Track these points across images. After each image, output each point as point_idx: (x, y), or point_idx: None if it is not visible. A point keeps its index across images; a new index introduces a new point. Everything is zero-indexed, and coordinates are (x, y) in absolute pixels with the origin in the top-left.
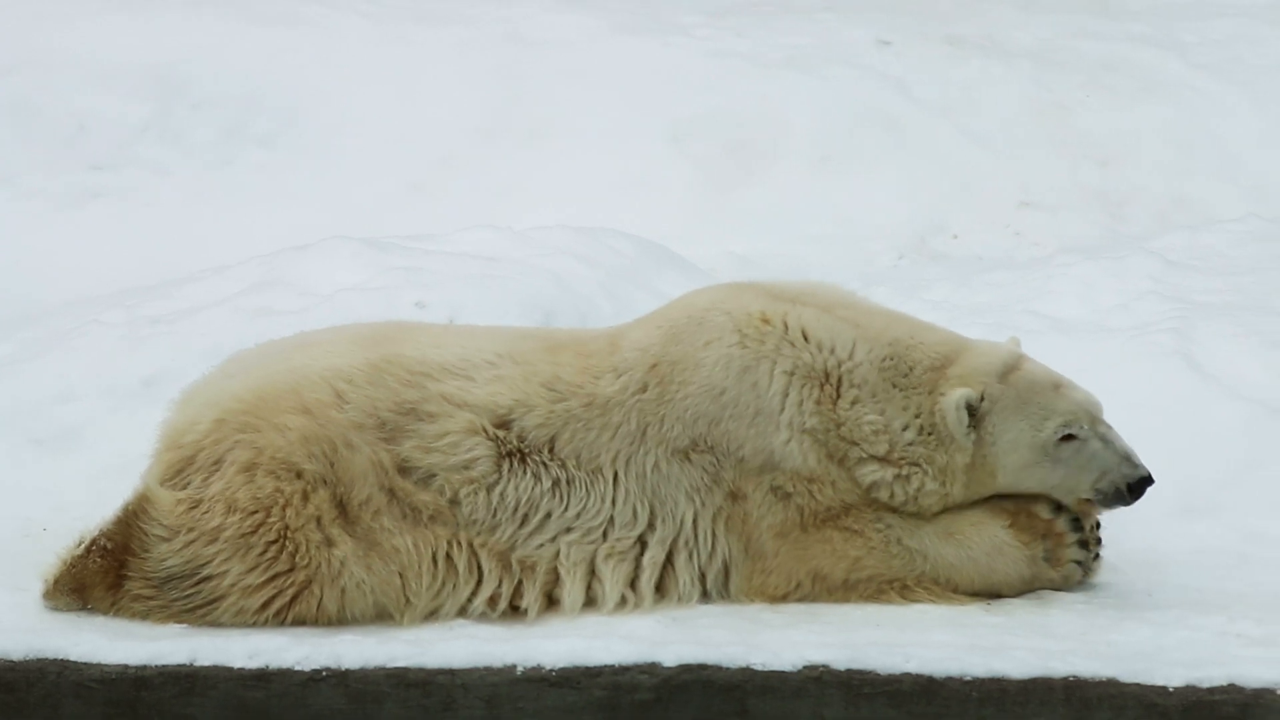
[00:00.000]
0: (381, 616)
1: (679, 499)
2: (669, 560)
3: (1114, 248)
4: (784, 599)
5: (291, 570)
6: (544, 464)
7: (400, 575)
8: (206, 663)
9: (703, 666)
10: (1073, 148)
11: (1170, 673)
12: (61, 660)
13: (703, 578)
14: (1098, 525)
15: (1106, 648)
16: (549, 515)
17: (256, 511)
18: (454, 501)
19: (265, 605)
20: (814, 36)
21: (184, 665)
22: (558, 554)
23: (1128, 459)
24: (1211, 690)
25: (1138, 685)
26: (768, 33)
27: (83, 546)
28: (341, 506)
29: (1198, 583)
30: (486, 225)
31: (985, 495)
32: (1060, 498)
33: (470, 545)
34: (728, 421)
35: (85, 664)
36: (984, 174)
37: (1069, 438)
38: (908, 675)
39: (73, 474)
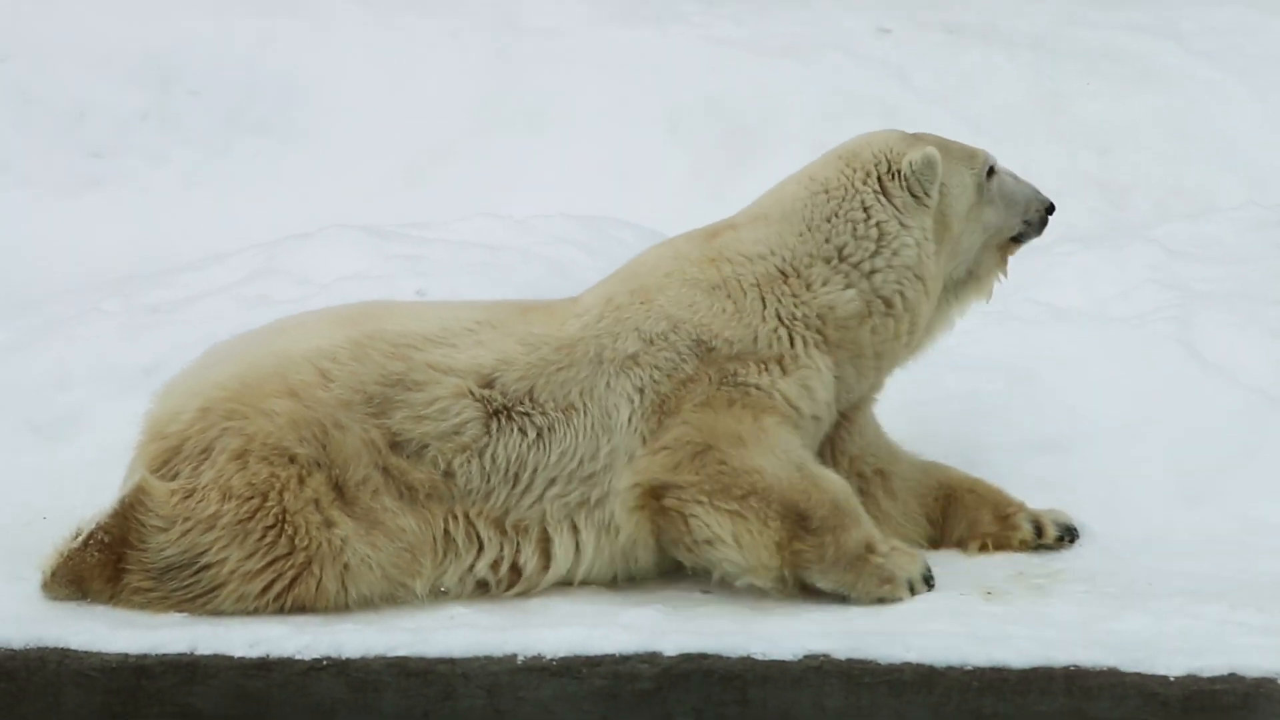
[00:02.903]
0: (385, 596)
1: (621, 405)
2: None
3: (1114, 236)
4: (658, 482)
5: (291, 553)
6: (527, 414)
7: (410, 551)
8: (207, 651)
9: (703, 656)
10: (1072, 136)
11: (1171, 661)
12: (62, 649)
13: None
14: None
15: (1107, 636)
16: (536, 470)
17: (252, 497)
18: (448, 474)
19: (266, 589)
20: (812, 24)
21: (184, 654)
22: (544, 514)
23: (1035, 188)
24: (1212, 679)
25: (1138, 674)
26: (766, 20)
27: (80, 539)
28: (339, 488)
29: (1198, 571)
30: (487, 213)
31: (944, 253)
32: (994, 240)
33: (467, 517)
34: (701, 317)
35: (86, 653)
36: None
37: (992, 172)
38: (908, 665)
39: (71, 462)
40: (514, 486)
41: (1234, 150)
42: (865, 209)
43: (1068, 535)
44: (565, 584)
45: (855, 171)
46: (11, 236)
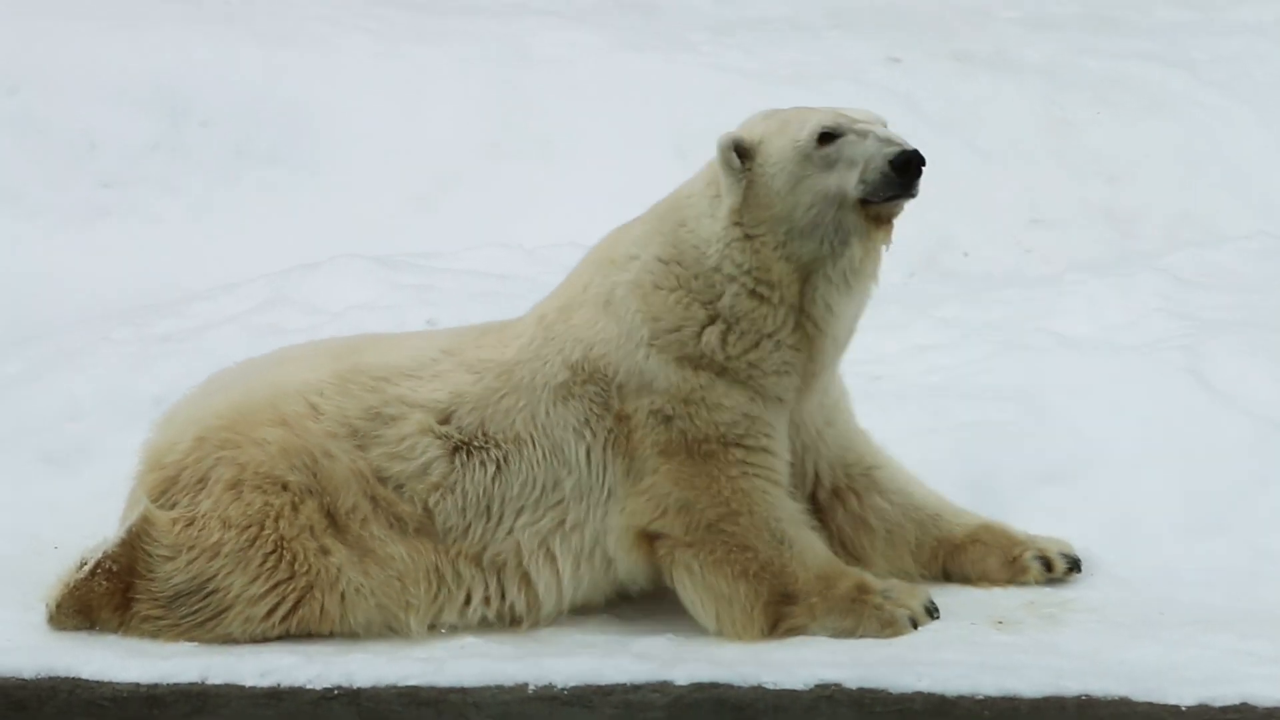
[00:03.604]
0: (386, 625)
1: (570, 440)
2: (585, 515)
3: (1123, 265)
4: (648, 528)
5: (292, 578)
6: (484, 448)
7: (399, 580)
8: (218, 681)
9: (714, 685)
10: (1081, 165)
11: (1182, 691)
12: (73, 678)
13: (602, 521)
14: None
15: (1118, 666)
16: (504, 500)
17: (250, 526)
18: (428, 512)
19: (270, 613)
20: (821, 53)
21: (195, 684)
22: (518, 545)
23: (887, 140)
24: (1224, 709)
25: (1149, 704)
26: (774, 49)
27: (86, 569)
28: (330, 516)
29: (1209, 601)
30: (496, 242)
31: (775, 238)
32: (844, 204)
33: (449, 556)
34: (600, 345)
35: (97, 682)
36: (993, 191)
37: (827, 137)
38: (919, 694)
39: (82, 492)
40: (488, 520)
41: (1243, 179)
42: (698, 217)
43: (1075, 565)
44: (565, 611)
45: (711, 169)
46: (22, 266)
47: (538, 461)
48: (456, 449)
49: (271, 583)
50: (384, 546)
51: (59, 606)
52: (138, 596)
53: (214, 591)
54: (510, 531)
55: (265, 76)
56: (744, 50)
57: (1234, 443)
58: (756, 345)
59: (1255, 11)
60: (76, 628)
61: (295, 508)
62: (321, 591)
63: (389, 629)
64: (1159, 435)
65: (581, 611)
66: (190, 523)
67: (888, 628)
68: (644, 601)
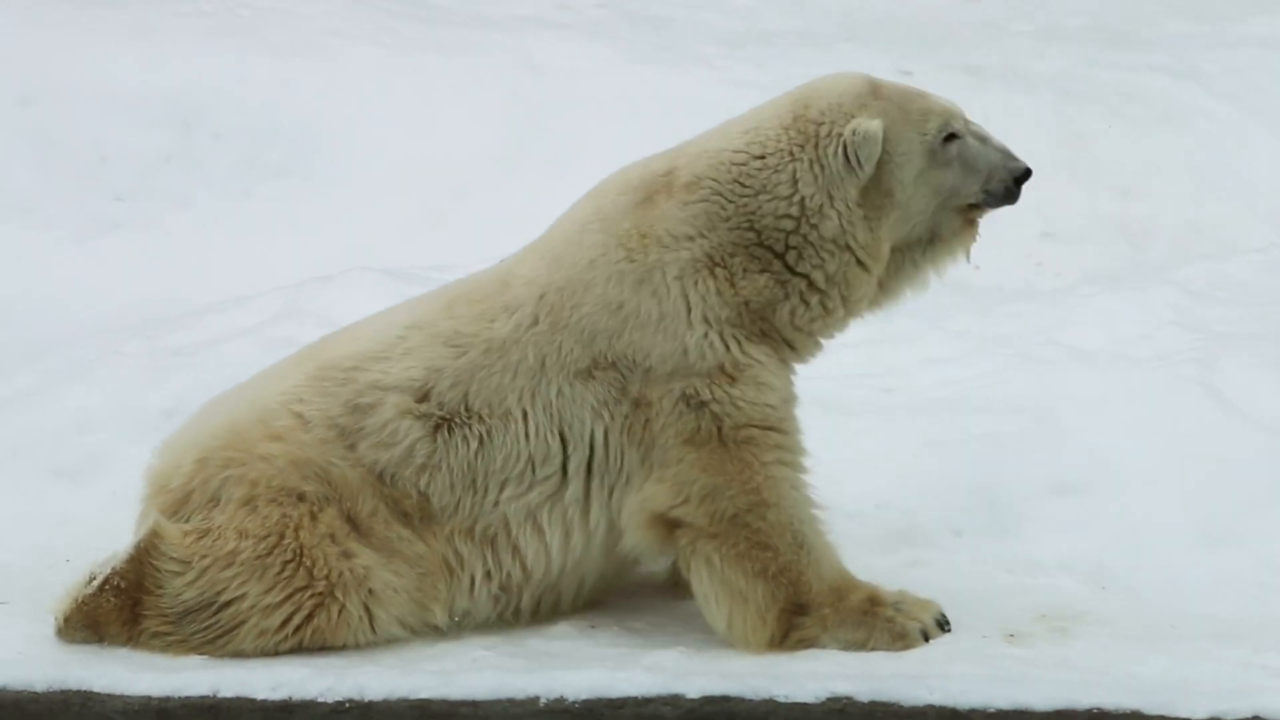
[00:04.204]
0: (421, 620)
1: (585, 418)
2: (588, 490)
3: (1135, 278)
4: (667, 514)
5: (310, 584)
6: (467, 423)
7: (429, 575)
8: (230, 694)
9: (726, 698)
10: (1093, 177)
11: (1195, 704)
12: (85, 691)
13: (610, 499)
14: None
15: (1130, 679)
16: (488, 474)
17: (268, 536)
18: (424, 496)
19: (285, 622)
20: (833, 66)
21: (207, 697)
22: (506, 518)
23: (1008, 154)
24: None
25: (1162, 717)
26: (786, 63)
27: (95, 584)
28: (352, 520)
29: (1221, 613)
30: (508, 255)
31: (886, 220)
32: (951, 204)
33: (448, 535)
34: (631, 332)
35: (108, 695)
36: None
37: (951, 136)
38: (931, 707)
39: (93, 505)
40: (474, 494)
41: (1255, 191)
42: (794, 181)
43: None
44: (558, 577)
45: (796, 134)
46: (33, 279)
47: (525, 436)
48: (438, 426)
49: (289, 590)
50: (410, 546)
51: (67, 620)
52: (146, 613)
53: (226, 604)
54: (496, 504)
55: (277, 89)
56: (755, 63)
57: (1246, 455)
58: (829, 313)
59: (1266, 25)
60: (84, 641)
61: (314, 516)
62: (343, 594)
63: (423, 624)
64: (1171, 448)
65: (593, 624)
66: (204, 534)
67: (899, 640)
68: (655, 614)
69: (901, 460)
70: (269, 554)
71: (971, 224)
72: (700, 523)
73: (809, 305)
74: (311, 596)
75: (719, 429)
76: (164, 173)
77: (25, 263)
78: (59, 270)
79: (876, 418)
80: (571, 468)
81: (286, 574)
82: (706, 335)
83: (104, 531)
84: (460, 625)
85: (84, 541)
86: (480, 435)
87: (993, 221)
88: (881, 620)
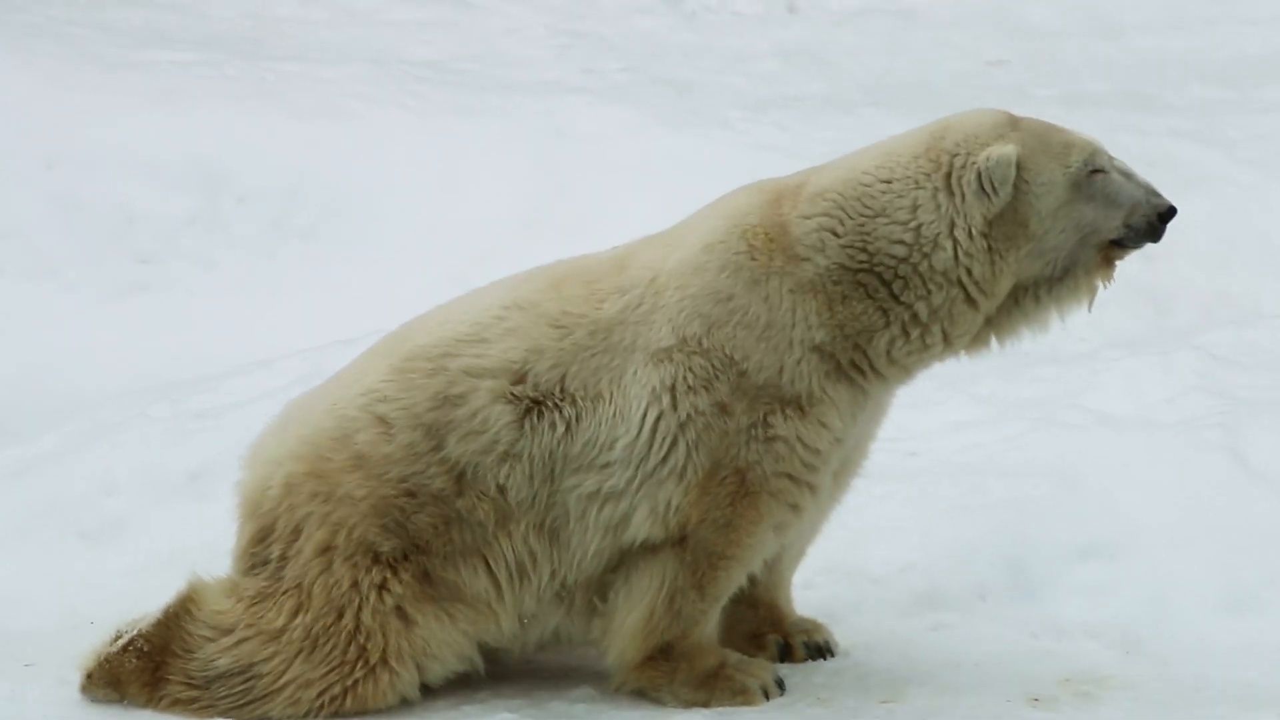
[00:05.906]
0: (479, 640)
1: (642, 397)
2: (633, 479)
3: (1159, 342)
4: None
5: (361, 658)
6: (557, 406)
7: (489, 606)
8: None
9: None
10: None
11: None
12: None
13: (639, 490)
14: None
15: None
16: (565, 460)
17: (328, 612)
18: (502, 490)
19: (322, 693)
20: (857, 131)
21: None
22: (567, 510)
23: (1152, 190)
24: None
25: None
26: (810, 126)
27: (119, 644)
28: (426, 576)
29: (1247, 679)
30: None
31: (1016, 254)
32: (1091, 240)
33: (521, 532)
34: (734, 327)
35: None
36: None
37: (1096, 171)
38: None
39: (117, 567)
40: (550, 484)
41: (1279, 257)
42: (914, 208)
43: (818, 653)
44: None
45: (927, 162)
46: (59, 341)
47: (606, 420)
48: (528, 410)
49: (334, 665)
50: (472, 584)
51: (90, 677)
52: (170, 677)
53: (262, 675)
54: (559, 491)
55: (302, 152)
56: (780, 127)
57: (1271, 521)
58: (928, 347)
59: None
60: (106, 700)
61: (384, 588)
62: (397, 662)
63: (484, 643)
64: (1196, 513)
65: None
66: (258, 601)
67: (739, 695)
68: None
69: (926, 524)
70: (323, 633)
71: (1109, 263)
72: (677, 535)
73: (909, 338)
74: (361, 669)
75: (760, 472)
76: (189, 235)
77: (51, 325)
78: (84, 332)
79: (901, 482)
80: (618, 453)
81: (337, 652)
82: (801, 361)
83: (129, 594)
84: (525, 628)
85: (108, 604)
86: (569, 420)
87: None
88: (723, 680)
